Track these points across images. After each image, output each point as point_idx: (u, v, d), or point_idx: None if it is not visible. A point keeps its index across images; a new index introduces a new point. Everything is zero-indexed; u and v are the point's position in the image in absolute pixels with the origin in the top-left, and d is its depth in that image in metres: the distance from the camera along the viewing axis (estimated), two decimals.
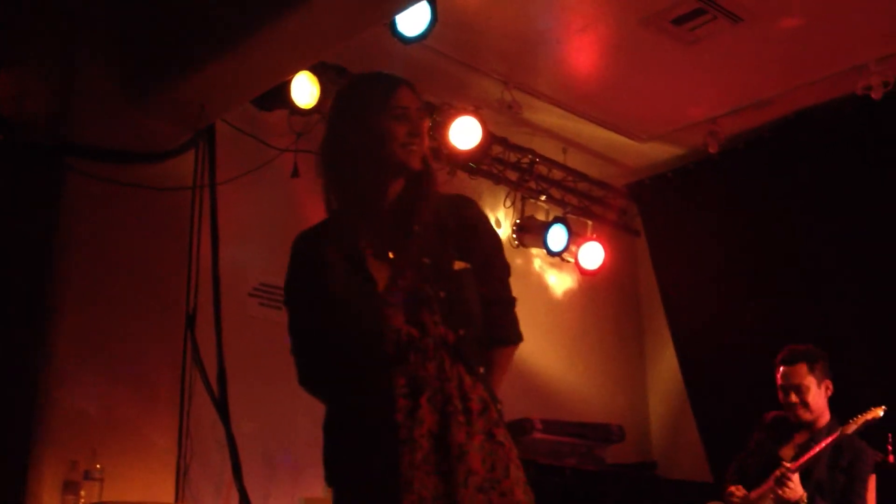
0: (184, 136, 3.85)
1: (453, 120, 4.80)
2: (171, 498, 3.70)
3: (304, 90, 4.21)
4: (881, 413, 3.43)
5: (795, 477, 3.41)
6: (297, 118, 4.27)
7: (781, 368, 3.68)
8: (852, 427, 3.45)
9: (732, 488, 3.59)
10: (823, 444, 3.45)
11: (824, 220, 4.99)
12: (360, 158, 2.17)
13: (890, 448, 3.70)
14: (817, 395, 3.61)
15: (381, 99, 2.19)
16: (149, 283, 3.72)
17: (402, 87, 2.22)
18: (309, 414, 4.28)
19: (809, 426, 3.61)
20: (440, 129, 4.79)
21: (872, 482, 3.53)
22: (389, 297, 2.12)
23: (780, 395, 3.68)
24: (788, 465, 3.43)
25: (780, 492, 3.41)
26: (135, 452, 3.58)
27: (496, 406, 2.13)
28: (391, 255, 2.16)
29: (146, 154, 3.71)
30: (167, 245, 3.82)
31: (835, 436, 3.45)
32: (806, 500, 3.39)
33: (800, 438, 3.64)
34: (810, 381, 3.61)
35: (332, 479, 2.18)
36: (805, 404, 3.60)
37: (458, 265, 2.18)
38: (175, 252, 3.83)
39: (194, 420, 3.83)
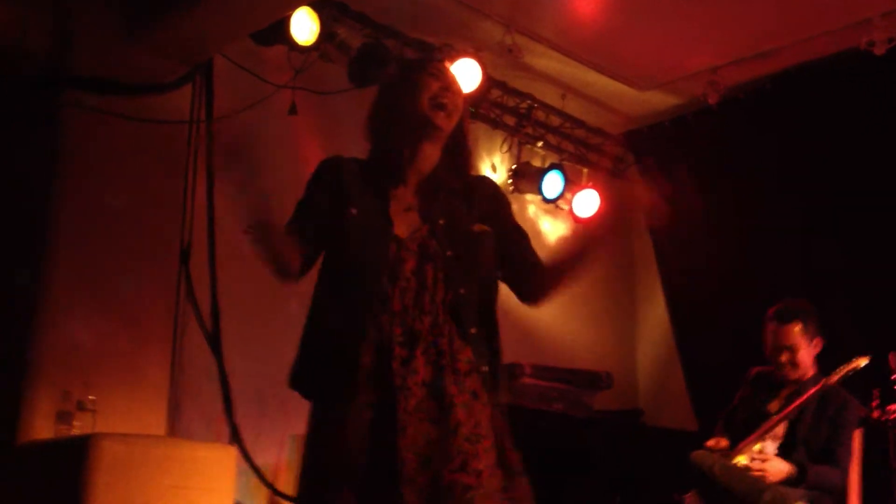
0: (181, 70, 3.80)
1: (453, 62, 4.75)
2: (163, 431, 3.74)
3: (304, 26, 4.15)
4: (863, 363, 3.44)
5: (769, 457, 3.44)
6: (296, 55, 4.22)
7: (772, 325, 3.65)
8: (835, 377, 3.47)
9: (711, 442, 3.59)
10: (807, 396, 3.49)
11: (820, 173, 4.99)
12: (394, 110, 2.29)
13: (874, 404, 3.72)
14: (806, 354, 3.62)
15: (422, 61, 2.45)
16: (144, 217, 3.71)
17: (446, 62, 2.41)
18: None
19: (794, 381, 3.65)
20: None
21: (858, 436, 3.57)
22: (404, 242, 2.19)
23: (769, 353, 3.68)
24: (774, 418, 3.47)
25: (758, 472, 3.41)
26: (127, 385, 3.61)
27: (481, 369, 2.16)
28: (411, 211, 2.24)
29: (144, 86, 3.67)
30: (163, 179, 3.80)
31: (818, 386, 3.49)
32: (797, 473, 3.41)
33: (786, 392, 3.67)
34: (801, 341, 3.61)
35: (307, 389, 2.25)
36: (794, 364, 3.61)
37: (479, 227, 2.26)
38: (171, 187, 3.82)
39: (187, 355, 3.86)
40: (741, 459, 3.44)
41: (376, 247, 2.18)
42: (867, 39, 4.63)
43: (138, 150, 3.71)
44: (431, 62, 2.37)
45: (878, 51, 4.60)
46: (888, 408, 3.49)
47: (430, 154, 2.28)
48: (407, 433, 2.02)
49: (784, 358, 3.61)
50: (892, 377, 3.49)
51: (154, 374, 3.68)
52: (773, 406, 3.64)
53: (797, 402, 3.49)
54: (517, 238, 2.36)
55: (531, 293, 2.36)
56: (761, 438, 3.48)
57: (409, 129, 2.26)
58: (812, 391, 3.49)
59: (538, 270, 2.35)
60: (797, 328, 3.60)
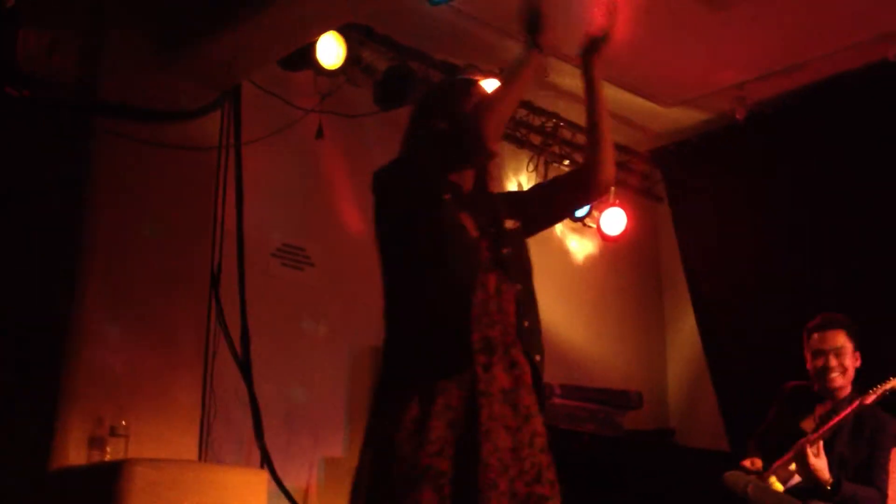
0: (210, 96, 3.85)
1: (478, 82, 4.75)
2: (195, 455, 3.75)
3: (331, 51, 4.18)
4: None
5: (822, 452, 3.38)
6: (322, 79, 4.25)
7: (817, 334, 3.59)
8: (872, 397, 3.41)
9: (747, 462, 3.54)
10: (844, 415, 3.43)
11: (851, 188, 4.94)
12: (444, 144, 2.25)
13: None
14: (851, 362, 3.57)
15: (465, 85, 2.38)
16: (174, 242, 3.74)
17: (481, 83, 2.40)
18: (328, 375, 4.38)
19: (832, 396, 3.58)
20: None
21: (895, 456, 3.51)
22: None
23: (814, 361, 3.60)
24: (810, 437, 3.41)
25: (809, 468, 3.36)
26: (159, 410, 3.63)
27: (539, 383, 2.22)
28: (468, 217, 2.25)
29: (173, 113, 3.71)
30: (192, 205, 3.83)
31: (854, 405, 3.43)
32: (832, 485, 3.35)
33: (821, 410, 3.60)
34: (847, 346, 3.57)
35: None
36: (843, 368, 3.55)
37: (510, 223, 2.28)
38: (200, 212, 3.85)
39: (217, 379, 3.88)
40: (777, 485, 3.38)
41: (469, 244, 2.18)
42: (894, 51, 4.59)
43: (168, 176, 3.75)
44: (471, 86, 2.37)
45: None
46: None
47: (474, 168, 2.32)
48: (490, 438, 2.02)
49: (832, 362, 3.54)
50: None
51: (185, 399, 3.70)
52: (807, 425, 3.58)
53: (833, 422, 3.43)
54: (538, 185, 2.48)
55: (593, 183, 2.37)
56: (793, 458, 3.42)
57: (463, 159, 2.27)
58: (848, 410, 3.43)
59: (578, 169, 2.44)
60: (842, 334, 3.56)
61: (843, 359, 3.54)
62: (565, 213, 2.49)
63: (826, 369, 3.55)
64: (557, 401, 4.74)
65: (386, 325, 2.26)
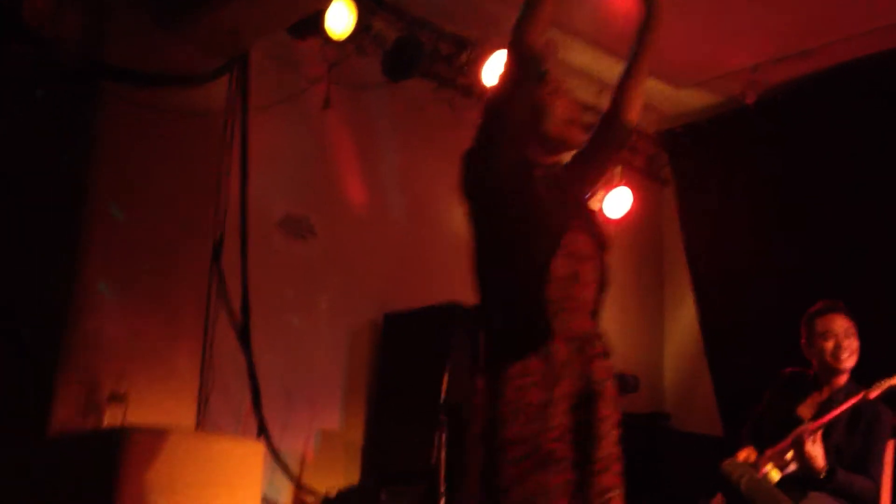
0: (217, 63, 3.79)
1: (487, 57, 4.69)
2: (192, 424, 3.75)
3: (340, 19, 4.10)
4: None
5: (819, 440, 3.38)
6: (330, 48, 4.19)
7: (823, 318, 3.56)
8: (876, 392, 3.40)
9: (742, 454, 3.53)
10: (845, 407, 3.42)
11: (859, 177, 4.90)
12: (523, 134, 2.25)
13: None
14: (855, 346, 3.57)
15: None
16: (177, 210, 3.71)
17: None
18: (327, 348, 4.36)
19: (829, 383, 3.57)
20: (473, 65, 4.69)
21: (891, 447, 3.51)
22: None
23: (822, 344, 3.57)
24: (809, 426, 3.41)
25: (805, 455, 3.37)
26: (158, 378, 3.62)
27: None
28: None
29: (179, 78, 3.65)
30: (197, 172, 3.80)
31: (857, 398, 3.42)
32: (826, 472, 3.36)
33: (818, 397, 3.60)
34: (853, 329, 3.57)
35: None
36: (852, 350, 3.55)
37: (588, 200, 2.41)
38: (204, 180, 3.81)
39: (217, 348, 3.86)
40: (773, 473, 3.38)
41: (559, 223, 2.22)
42: None
43: (173, 143, 3.70)
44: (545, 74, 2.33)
45: None
46: None
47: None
48: (607, 423, 2.10)
49: (845, 343, 3.54)
50: None
51: (184, 368, 3.69)
52: (804, 411, 3.58)
53: (834, 413, 3.43)
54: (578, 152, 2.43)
55: (616, 125, 2.41)
56: (790, 446, 3.42)
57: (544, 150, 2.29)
58: (850, 403, 3.42)
59: (604, 115, 2.43)
60: (847, 318, 3.56)
61: (851, 341, 3.54)
62: (601, 170, 2.46)
63: (839, 348, 3.52)
64: None
65: (486, 299, 2.24)
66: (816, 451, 3.33)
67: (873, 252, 4.80)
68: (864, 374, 3.53)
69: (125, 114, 3.53)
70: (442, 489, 3.68)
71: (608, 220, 5.56)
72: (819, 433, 3.36)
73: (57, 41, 3.48)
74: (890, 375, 3.40)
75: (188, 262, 3.77)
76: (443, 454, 3.77)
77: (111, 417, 3.40)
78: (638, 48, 2.48)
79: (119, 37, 3.57)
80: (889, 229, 4.76)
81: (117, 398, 3.39)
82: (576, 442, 2.06)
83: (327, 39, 4.14)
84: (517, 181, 2.21)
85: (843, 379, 3.56)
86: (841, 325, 3.57)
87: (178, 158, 3.74)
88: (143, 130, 3.60)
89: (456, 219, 4.93)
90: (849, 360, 3.55)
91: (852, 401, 3.40)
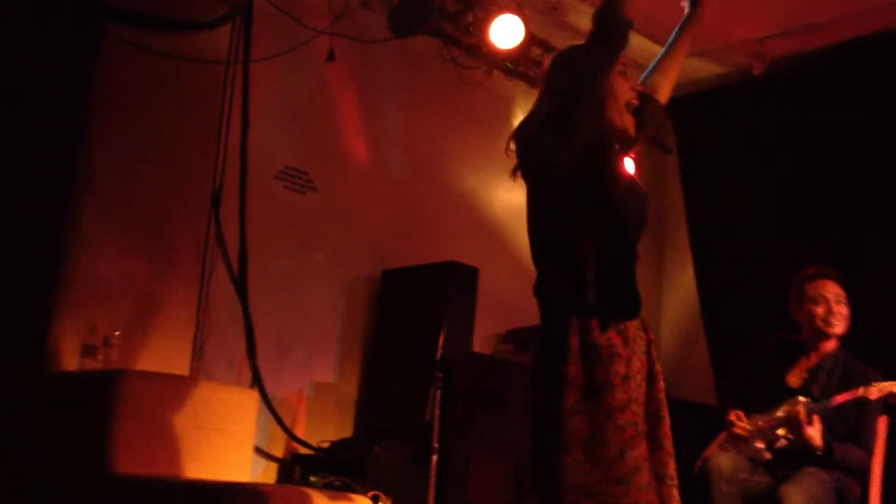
0: (221, 9, 3.75)
1: (495, 17, 4.65)
2: (186, 371, 3.76)
3: None
4: None
5: (817, 421, 3.36)
6: (336, 1, 4.15)
7: (815, 282, 3.55)
8: (876, 394, 3.34)
9: (733, 417, 3.50)
10: (842, 400, 3.37)
11: (864, 151, 4.88)
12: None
13: None
14: (849, 312, 3.55)
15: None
16: (177, 156, 3.70)
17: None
18: (323, 301, 4.37)
19: (817, 348, 3.55)
20: (480, 25, 4.65)
21: (883, 422, 3.50)
22: None
23: (813, 308, 3.54)
24: (801, 410, 3.35)
25: (804, 436, 3.34)
26: (153, 323, 3.62)
27: None
28: None
29: (183, 23, 3.62)
30: (197, 120, 3.78)
31: (856, 396, 3.36)
32: (824, 450, 3.35)
33: (806, 363, 3.58)
34: (843, 294, 3.53)
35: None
36: (843, 315, 3.53)
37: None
38: (204, 128, 3.79)
39: (213, 297, 3.87)
40: (764, 454, 3.38)
41: (639, 197, 2.32)
42: None
43: (174, 88, 3.69)
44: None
45: None
46: None
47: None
48: (665, 405, 2.20)
49: (836, 308, 3.51)
50: None
51: (180, 315, 3.70)
52: (792, 379, 3.56)
53: (833, 402, 3.37)
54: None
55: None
56: (784, 423, 3.39)
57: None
58: (848, 397, 3.35)
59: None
60: (838, 284, 3.55)
61: (842, 307, 3.53)
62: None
63: (830, 313, 3.51)
64: None
65: (565, 270, 2.24)
66: (814, 431, 3.31)
67: (875, 227, 4.79)
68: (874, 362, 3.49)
69: (126, 56, 3.50)
70: (435, 445, 3.71)
71: None
72: (816, 416, 3.34)
73: None
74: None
75: (186, 209, 3.76)
76: (437, 410, 3.80)
77: (105, 360, 3.41)
78: (681, 31, 2.53)
79: None
80: (892, 203, 4.74)
81: (112, 342, 3.40)
82: (646, 417, 2.14)
83: None
84: (599, 154, 2.24)
85: (831, 345, 3.54)
86: (832, 290, 3.54)
87: (179, 104, 3.72)
88: (144, 74, 3.58)
89: (456, 177, 4.99)
90: (839, 326, 3.52)
91: (849, 397, 3.35)
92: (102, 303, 3.44)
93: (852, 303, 3.59)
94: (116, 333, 3.39)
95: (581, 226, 2.20)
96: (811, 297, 3.56)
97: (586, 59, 2.25)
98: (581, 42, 2.30)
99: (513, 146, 2.33)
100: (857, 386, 3.39)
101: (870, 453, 3.41)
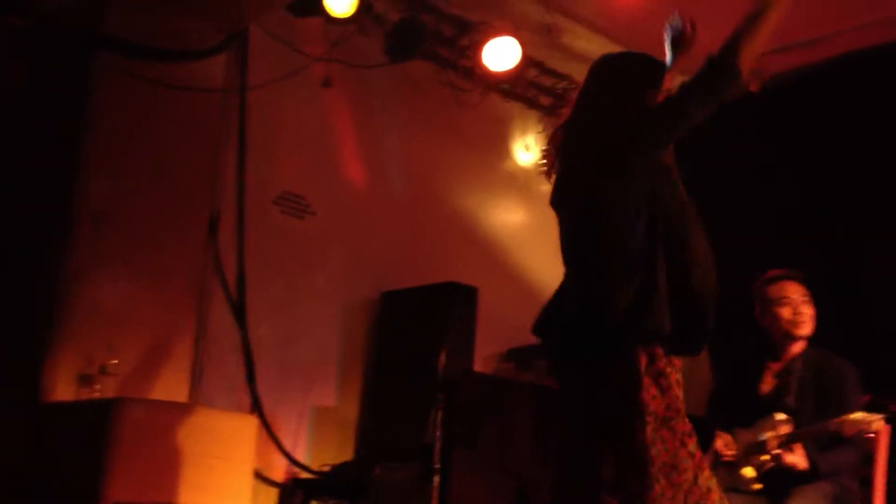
0: (217, 38, 3.79)
1: (490, 40, 4.68)
2: (185, 398, 3.77)
3: None
4: (876, 426, 3.29)
5: (797, 448, 3.32)
6: (332, 27, 4.18)
7: (780, 283, 3.44)
8: (849, 430, 3.30)
9: (720, 445, 3.45)
10: (816, 434, 3.33)
11: (863, 168, 4.87)
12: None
13: None
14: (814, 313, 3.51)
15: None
16: (173, 184, 3.73)
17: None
18: (323, 325, 4.38)
19: (785, 351, 3.47)
20: (475, 48, 4.68)
21: (885, 432, 3.43)
22: None
23: (778, 311, 3.44)
24: (773, 444, 3.30)
25: (786, 466, 3.31)
26: (151, 351, 3.64)
27: None
28: None
29: (178, 52, 3.66)
30: (193, 147, 3.81)
31: (829, 431, 3.31)
32: (810, 470, 3.31)
33: (775, 367, 3.51)
34: (808, 295, 3.43)
35: None
36: (810, 317, 3.47)
37: None
38: (201, 155, 3.82)
39: (212, 323, 3.89)
40: (750, 474, 3.35)
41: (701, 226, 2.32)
42: None
43: (170, 117, 3.72)
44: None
45: None
46: None
47: None
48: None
49: (802, 308, 3.46)
50: None
51: (178, 341, 3.71)
52: (764, 387, 3.50)
53: (805, 431, 3.33)
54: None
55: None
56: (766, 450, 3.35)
57: None
58: (817, 432, 3.32)
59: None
60: (801, 285, 3.48)
61: (808, 307, 3.46)
62: None
63: (797, 314, 3.42)
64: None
65: (617, 288, 2.19)
66: (796, 458, 3.27)
67: (873, 238, 4.78)
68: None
69: (122, 86, 3.54)
70: (437, 466, 3.71)
71: None
72: (796, 443, 3.30)
73: (56, 12, 3.49)
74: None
75: (184, 236, 3.79)
76: (438, 431, 3.79)
77: (103, 389, 3.42)
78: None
79: (117, 6, 3.57)
80: (891, 216, 4.73)
81: (109, 370, 3.41)
82: None
83: (328, 18, 4.14)
84: (669, 186, 2.29)
85: (799, 347, 3.45)
86: (796, 290, 3.44)
87: (175, 133, 3.75)
88: (140, 103, 3.61)
89: (454, 198, 5.01)
90: (806, 327, 3.47)
91: (820, 429, 3.29)
92: (99, 331, 3.46)
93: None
94: (114, 362, 3.40)
95: (652, 253, 2.18)
96: (775, 299, 3.44)
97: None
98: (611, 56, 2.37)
99: (545, 152, 2.36)
100: (832, 388, 3.32)
101: (859, 448, 3.35)
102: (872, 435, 3.26)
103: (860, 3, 4.56)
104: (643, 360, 2.10)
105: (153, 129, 3.72)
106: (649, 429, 2.04)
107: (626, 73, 2.34)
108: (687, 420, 2.11)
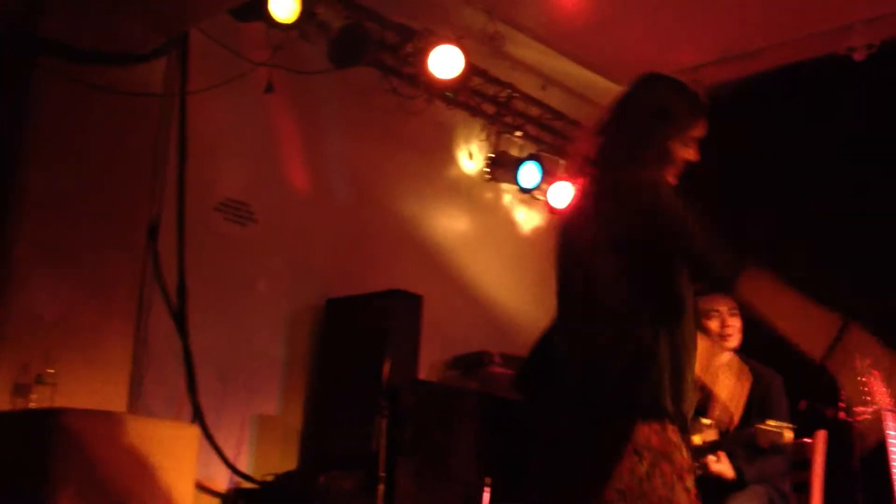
0: (157, 42, 3.74)
1: (434, 47, 4.70)
2: (124, 407, 3.70)
3: (284, 3, 4.08)
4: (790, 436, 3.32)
5: (721, 456, 3.37)
6: (275, 32, 4.16)
7: (701, 298, 3.45)
8: (762, 440, 3.29)
9: None
10: (738, 440, 3.38)
11: (799, 177, 5.00)
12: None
13: (842, 405, 3.66)
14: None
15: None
16: (113, 189, 3.67)
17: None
18: (266, 333, 4.34)
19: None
20: (420, 56, 4.69)
21: (822, 437, 3.51)
22: None
23: (706, 323, 3.50)
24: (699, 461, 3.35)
25: (713, 474, 3.36)
26: (88, 360, 3.57)
27: None
28: None
29: (118, 56, 3.60)
30: (134, 153, 3.75)
31: (745, 437, 3.36)
32: (737, 479, 3.36)
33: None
34: (737, 308, 3.49)
35: None
36: (738, 329, 3.52)
37: None
38: (141, 161, 3.76)
39: (152, 331, 3.83)
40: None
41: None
42: (847, 45, 4.62)
43: (109, 121, 3.66)
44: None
45: (858, 56, 4.60)
46: (855, 409, 3.44)
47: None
48: None
49: (730, 321, 3.50)
50: (862, 378, 3.45)
51: (116, 350, 3.64)
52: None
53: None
54: None
55: None
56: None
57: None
58: (735, 438, 3.37)
59: None
60: (729, 297, 3.50)
61: (735, 319, 3.52)
62: None
63: (726, 326, 3.51)
64: (497, 369, 4.78)
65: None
66: (721, 467, 3.33)
67: (804, 251, 4.90)
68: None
69: (61, 89, 3.47)
70: (382, 473, 3.69)
71: (554, 210, 5.63)
72: (720, 452, 3.35)
73: None
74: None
75: (124, 243, 3.72)
76: (383, 439, 3.79)
77: (39, 399, 3.34)
78: None
79: (56, 10, 3.50)
80: (824, 230, 4.86)
81: (46, 380, 3.33)
82: None
83: (271, 23, 4.12)
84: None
85: (726, 358, 3.53)
86: (724, 303, 3.51)
87: (115, 137, 3.69)
88: (79, 107, 3.54)
89: (399, 206, 5.02)
90: (733, 340, 3.54)
91: (739, 437, 3.35)
92: (35, 339, 3.38)
93: None
94: (50, 371, 3.32)
95: (657, 332, 2.11)
96: (703, 311, 3.51)
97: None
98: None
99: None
100: (758, 397, 3.39)
101: (787, 453, 3.42)
102: (808, 441, 3.35)
103: (792, 18, 4.68)
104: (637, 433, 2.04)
105: (92, 134, 3.66)
106: (646, 462, 2.01)
107: (662, 108, 2.30)
108: (687, 455, 2.07)
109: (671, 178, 2.31)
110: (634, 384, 2.04)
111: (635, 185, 2.18)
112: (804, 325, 2.05)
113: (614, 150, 2.27)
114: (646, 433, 2.01)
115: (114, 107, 3.62)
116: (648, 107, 2.31)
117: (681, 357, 2.12)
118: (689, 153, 2.37)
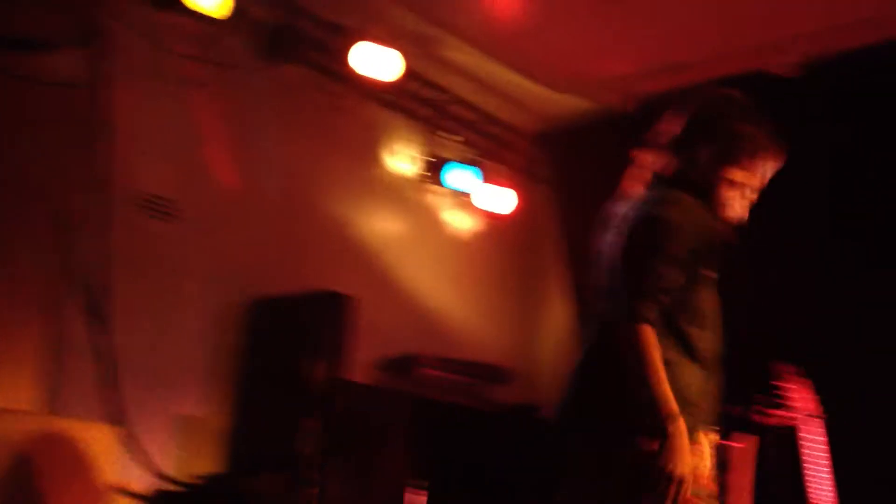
0: (79, 31, 3.65)
1: (364, 47, 4.70)
2: (41, 407, 3.60)
3: None
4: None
5: None
6: (203, 25, 4.10)
7: None
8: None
9: None
10: None
11: None
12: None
13: (757, 408, 3.73)
14: None
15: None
16: (29, 182, 3.56)
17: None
18: (191, 332, 4.26)
19: None
20: (351, 54, 4.67)
21: (752, 443, 3.59)
22: None
23: None
24: None
25: None
26: (2, 358, 3.45)
27: None
28: None
29: (36, 44, 3.51)
30: (51, 145, 3.65)
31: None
32: None
33: None
34: None
35: None
36: None
37: None
38: (58, 154, 3.66)
39: (70, 329, 3.73)
40: None
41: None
42: (776, 61, 4.71)
43: (29, 112, 3.56)
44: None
45: (788, 73, 4.68)
46: (768, 411, 3.52)
47: None
48: None
49: None
50: (775, 383, 3.53)
51: (32, 349, 3.53)
52: None
53: None
54: None
55: None
56: None
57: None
58: None
59: None
60: None
61: None
62: None
63: None
64: (425, 371, 4.77)
65: None
66: None
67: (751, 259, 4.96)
68: None
69: None
70: (311, 475, 3.66)
71: (495, 216, 5.66)
72: None
73: None
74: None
75: (40, 238, 3.61)
76: (312, 441, 3.76)
77: None
78: None
79: None
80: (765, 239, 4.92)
81: None
82: None
83: (199, 17, 4.06)
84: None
85: None
86: None
87: (34, 129, 3.60)
88: None
89: (330, 205, 4.98)
90: None
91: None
92: None
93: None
94: None
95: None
96: None
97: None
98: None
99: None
100: None
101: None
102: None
103: (723, 32, 4.77)
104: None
105: (10, 126, 3.56)
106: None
107: (716, 140, 2.44)
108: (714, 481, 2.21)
109: (726, 209, 2.45)
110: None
111: (641, 217, 2.38)
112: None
113: (670, 169, 2.46)
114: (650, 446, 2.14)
115: (32, 97, 3.53)
116: (715, 133, 2.44)
117: (691, 368, 2.29)
118: (744, 191, 2.48)
